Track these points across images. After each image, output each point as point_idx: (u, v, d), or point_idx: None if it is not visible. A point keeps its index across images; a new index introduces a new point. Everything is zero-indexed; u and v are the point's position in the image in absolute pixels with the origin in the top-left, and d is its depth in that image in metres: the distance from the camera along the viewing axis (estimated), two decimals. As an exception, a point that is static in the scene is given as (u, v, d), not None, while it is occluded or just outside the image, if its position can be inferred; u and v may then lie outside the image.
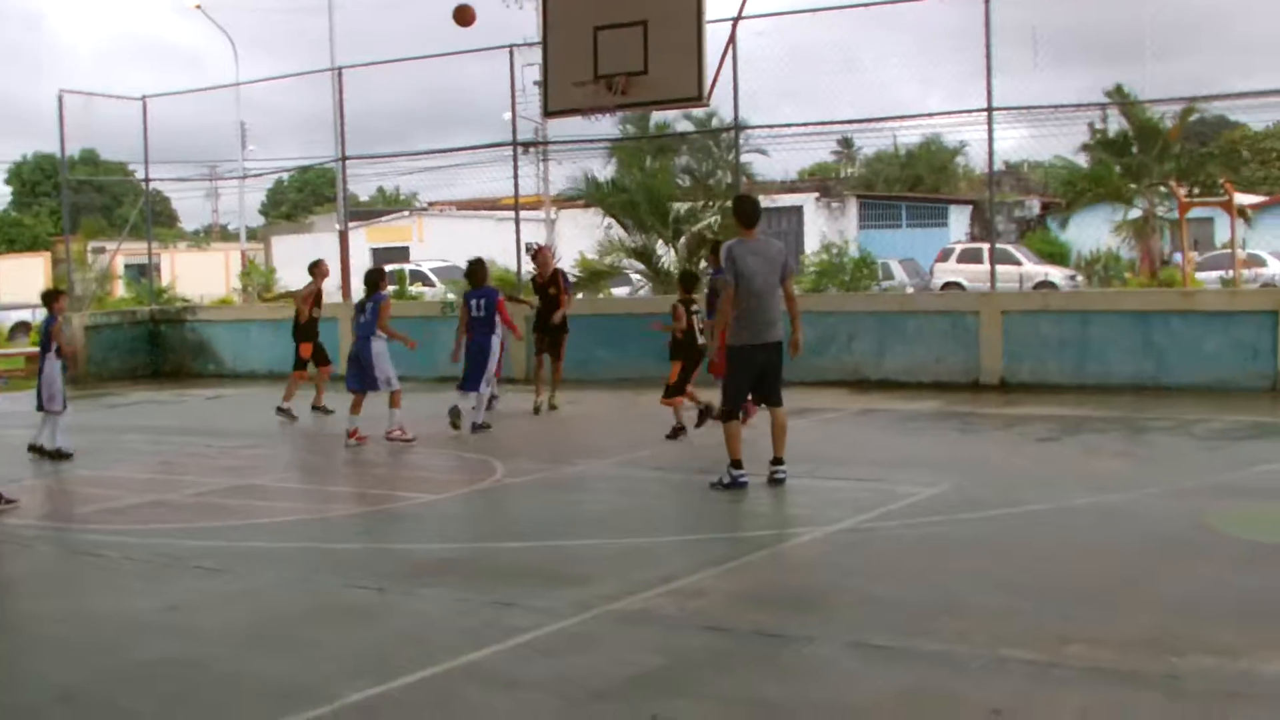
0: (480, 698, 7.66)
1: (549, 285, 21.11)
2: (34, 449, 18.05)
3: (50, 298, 18.96)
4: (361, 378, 18.34)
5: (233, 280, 61.68)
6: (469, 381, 19.21)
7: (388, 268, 53.93)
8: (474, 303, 19.48)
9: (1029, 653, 7.97)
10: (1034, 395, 20.81)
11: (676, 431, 17.45)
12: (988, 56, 22.10)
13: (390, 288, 19.93)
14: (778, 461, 13.96)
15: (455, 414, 19.07)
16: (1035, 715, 7.05)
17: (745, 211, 14.11)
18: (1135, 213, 44.71)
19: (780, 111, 50.54)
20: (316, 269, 22.71)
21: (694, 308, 18.06)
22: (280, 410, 21.55)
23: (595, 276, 31.95)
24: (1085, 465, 14.72)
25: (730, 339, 13.91)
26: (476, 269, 20.09)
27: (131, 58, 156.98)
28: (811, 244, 47.01)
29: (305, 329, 22.23)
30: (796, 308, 14.26)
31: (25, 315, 48.95)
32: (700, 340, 17.66)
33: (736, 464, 13.81)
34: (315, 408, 22.05)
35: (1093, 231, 47.43)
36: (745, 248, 13.78)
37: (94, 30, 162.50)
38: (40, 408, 18.17)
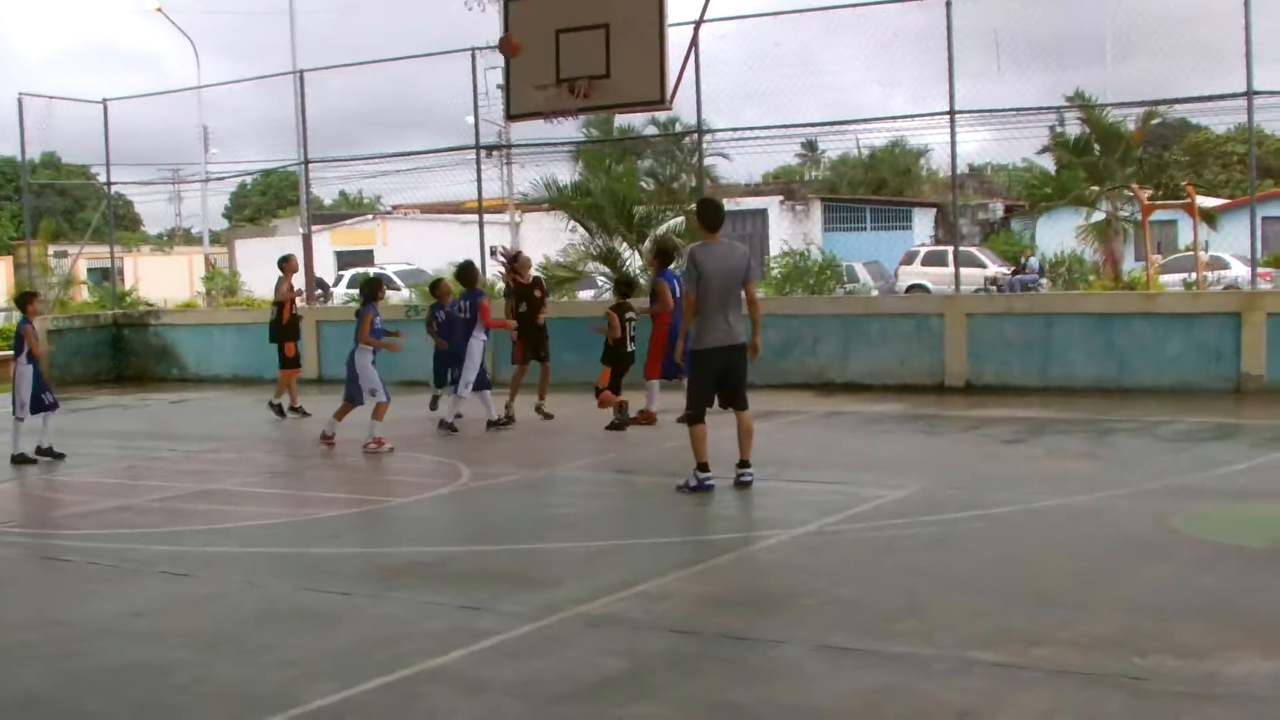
0: (446, 702, 7.65)
1: (533, 288, 20.77)
2: (19, 459, 18.11)
3: (24, 300, 18.95)
4: (349, 387, 18.31)
5: (196, 284, 61.53)
6: (456, 383, 19.24)
7: (351, 271, 53.94)
8: (459, 305, 19.46)
9: (995, 654, 7.99)
10: (998, 397, 20.87)
11: (615, 425, 17.65)
12: (950, 60, 22.16)
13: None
14: (744, 465, 13.97)
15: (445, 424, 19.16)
16: (1002, 717, 7.06)
17: (709, 215, 14.10)
18: (1099, 216, 44.83)
19: (743, 114, 50.56)
20: (287, 264, 22.68)
21: (629, 315, 18.17)
22: (272, 406, 21.72)
23: (560, 280, 31.90)
24: (1050, 467, 14.76)
25: (693, 343, 13.90)
26: (467, 271, 20.02)
27: (88, 61, 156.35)
28: (776, 247, 47.04)
29: (288, 328, 22.14)
30: (758, 311, 14.27)
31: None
32: (631, 348, 17.92)
33: (702, 467, 13.82)
34: (293, 409, 22.02)
35: (1056, 234, 47.59)
36: (708, 251, 13.77)
37: (51, 33, 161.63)
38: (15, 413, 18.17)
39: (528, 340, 20.45)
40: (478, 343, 19.20)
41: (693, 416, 13.97)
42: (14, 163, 68.23)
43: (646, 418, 18.89)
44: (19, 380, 18.12)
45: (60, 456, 18.14)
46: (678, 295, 17.94)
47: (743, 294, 13.85)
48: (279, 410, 21.88)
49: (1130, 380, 20.88)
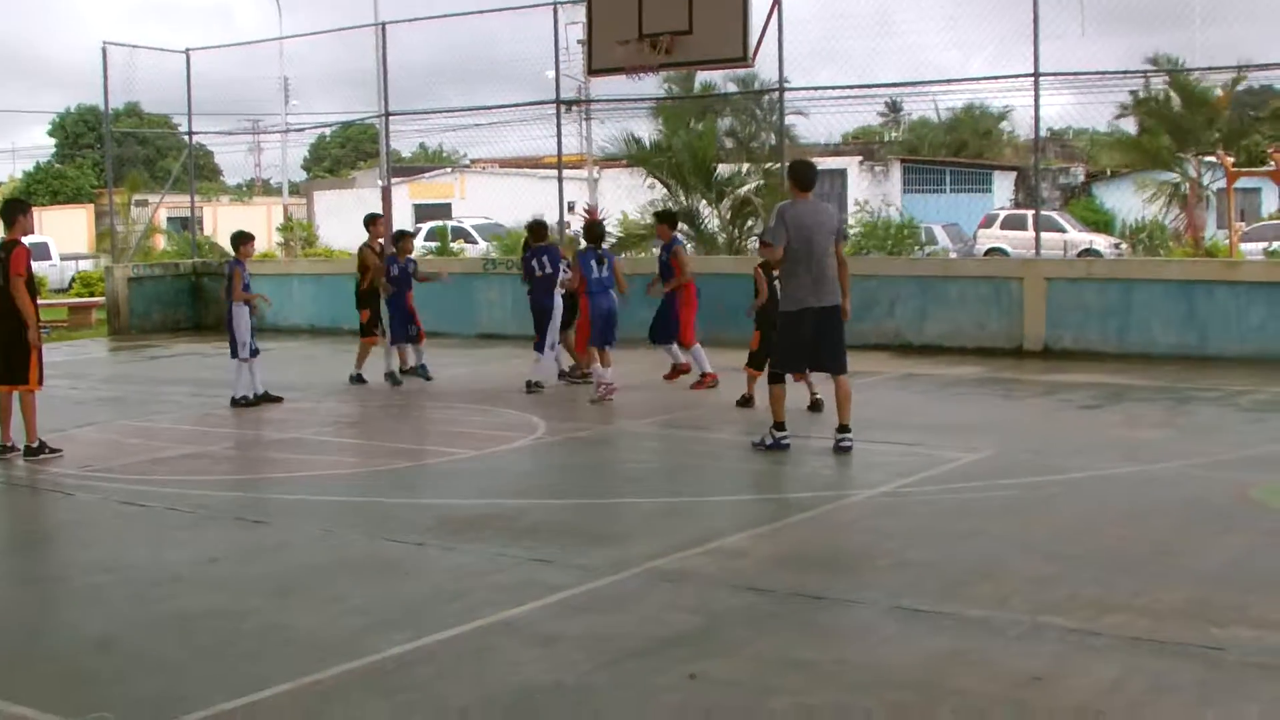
0: (517, 653, 7.67)
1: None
2: (236, 402, 18.31)
3: (238, 240, 18.99)
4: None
5: (274, 234, 61.83)
6: (538, 343, 19.14)
7: (429, 224, 54.00)
8: (536, 261, 19.30)
9: (1067, 620, 7.95)
10: (1076, 363, 20.71)
11: (745, 400, 17.06)
12: (1035, 20, 21.94)
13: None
14: (843, 429, 13.76)
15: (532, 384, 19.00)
16: (1074, 682, 7.02)
17: (801, 174, 13.97)
18: (1177, 180, 44.39)
19: (820, 74, 50.37)
20: (373, 226, 21.70)
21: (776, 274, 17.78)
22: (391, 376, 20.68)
23: (638, 238, 31.84)
24: (1126, 434, 14.64)
25: (782, 304, 13.83)
26: (538, 228, 19.88)
27: (165, 12, 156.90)
28: (854, 208, 46.82)
29: (365, 295, 21.09)
30: (847, 273, 14.08)
31: (86, 266, 48.77)
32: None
33: (779, 425, 13.78)
34: (394, 372, 20.83)
35: (1137, 201, 47.13)
36: (796, 209, 13.66)
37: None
38: (234, 355, 18.37)
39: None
40: (557, 299, 19.08)
41: (775, 375, 13.91)
42: (97, 111, 68.68)
43: (710, 379, 18.81)
44: (236, 322, 18.18)
45: (277, 399, 18.39)
46: (595, 275, 18.18)
47: (833, 256, 13.74)
48: (392, 378, 20.58)
49: (1211, 349, 20.66)
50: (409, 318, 20.31)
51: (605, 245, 19.27)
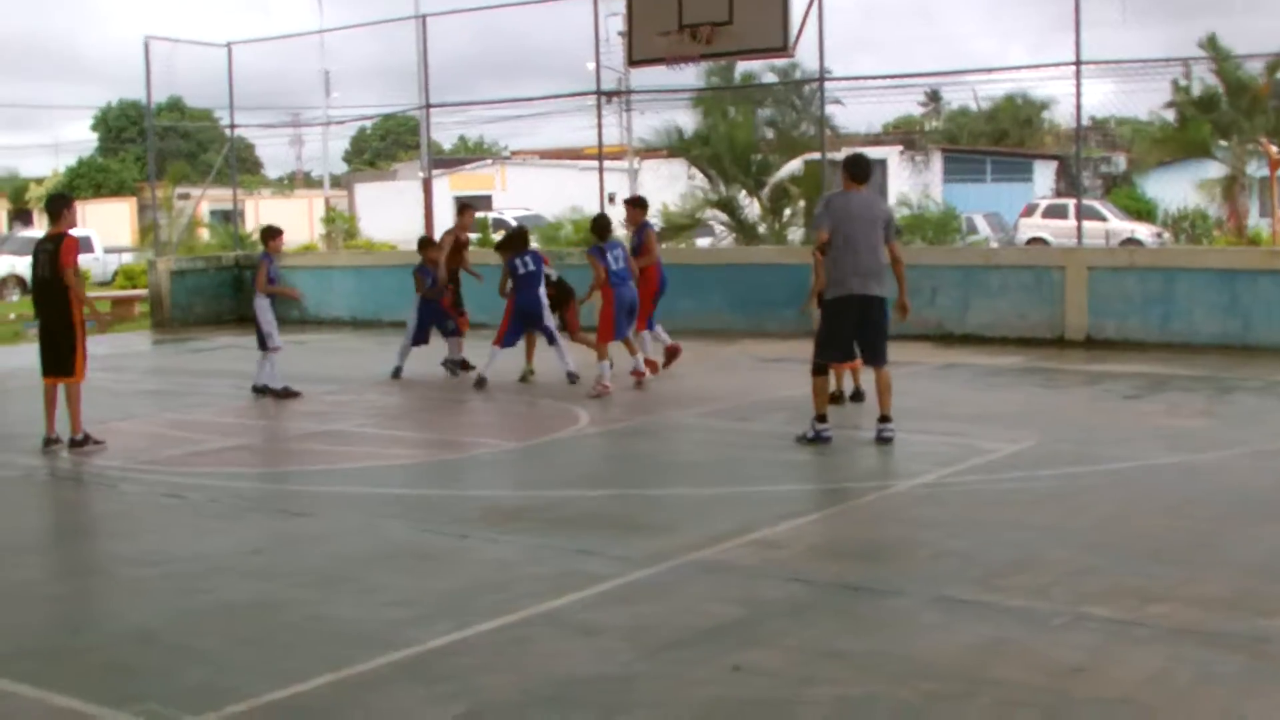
0: (558, 645, 7.69)
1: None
2: (257, 390, 18.53)
3: (268, 235, 19.32)
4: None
5: (316, 226, 62.00)
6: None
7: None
8: (520, 260, 18.87)
9: (1110, 610, 7.93)
10: (1119, 352, 20.63)
11: (840, 397, 16.73)
12: (1076, 9, 21.86)
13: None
14: (885, 420, 13.72)
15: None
16: (1116, 673, 7.00)
17: (855, 166, 13.92)
18: (1222, 170, 44.13)
19: (859, 64, 50.30)
20: (463, 214, 21.71)
21: None
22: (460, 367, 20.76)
23: (678, 228, 31.87)
24: (1169, 423, 14.59)
25: (827, 292, 13.75)
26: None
27: (204, 5, 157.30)
28: (894, 198, 46.72)
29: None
30: (902, 269, 14.02)
31: (128, 259, 48.88)
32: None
33: (821, 418, 13.75)
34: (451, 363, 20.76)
35: (1179, 189, 46.90)
36: (845, 199, 13.66)
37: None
38: (262, 347, 18.62)
39: None
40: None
41: (818, 366, 13.88)
42: (139, 106, 68.97)
43: (652, 367, 18.99)
44: (260, 315, 18.66)
45: (295, 394, 18.39)
46: (614, 268, 17.99)
47: (883, 248, 13.69)
48: (451, 369, 20.53)
49: (1254, 338, 20.55)
50: (443, 314, 20.29)
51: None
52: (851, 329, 13.69)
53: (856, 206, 13.61)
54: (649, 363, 18.88)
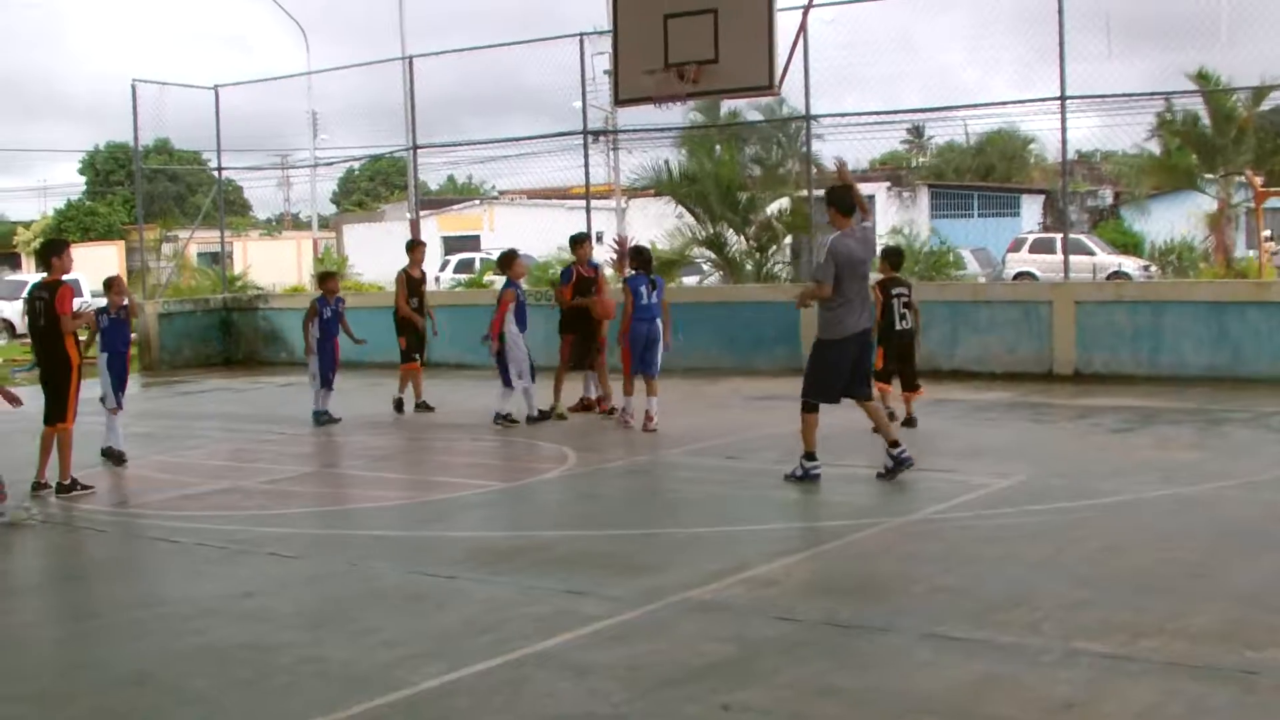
0: (551, 685, 7.68)
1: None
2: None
3: (324, 279, 19.99)
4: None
5: (305, 268, 61.97)
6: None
7: (459, 256, 53.99)
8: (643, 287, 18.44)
9: (1102, 645, 7.93)
10: (1107, 386, 20.67)
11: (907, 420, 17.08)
12: (1061, 43, 21.96)
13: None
14: (896, 443, 13.70)
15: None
16: (1108, 708, 7.00)
17: (842, 200, 13.75)
18: (1210, 202, 44.20)
19: (844, 99, 50.38)
20: (413, 251, 21.76)
21: (897, 290, 17.35)
22: (417, 406, 20.94)
23: (665, 265, 31.88)
24: (1159, 457, 14.61)
25: (827, 333, 13.62)
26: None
27: (188, 47, 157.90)
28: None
29: (400, 322, 21.08)
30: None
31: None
32: (903, 325, 17.28)
33: (810, 455, 13.74)
34: (417, 404, 21.05)
35: (1166, 222, 46.99)
36: (846, 245, 13.47)
37: (155, 21, 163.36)
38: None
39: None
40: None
41: (810, 405, 13.82)
42: (127, 148, 68.95)
43: (588, 405, 19.81)
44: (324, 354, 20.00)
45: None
46: (644, 301, 18.05)
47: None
48: (397, 405, 21.02)
49: (1244, 370, 20.60)
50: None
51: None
52: (850, 368, 13.69)
53: (858, 249, 13.56)
54: (599, 400, 19.28)
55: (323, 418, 19.69)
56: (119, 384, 16.84)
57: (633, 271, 18.76)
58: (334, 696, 7.57)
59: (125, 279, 19.10)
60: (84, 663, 8.74)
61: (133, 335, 18.22)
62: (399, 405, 20.84)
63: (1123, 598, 9.00)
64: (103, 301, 17.25)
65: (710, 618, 8.91)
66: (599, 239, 28.23)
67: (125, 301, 16.95)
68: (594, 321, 19.56)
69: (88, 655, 8.93)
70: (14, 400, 13.86)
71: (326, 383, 19.79)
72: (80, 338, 14.86)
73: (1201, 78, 36.01)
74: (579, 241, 20.24)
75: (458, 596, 9.79)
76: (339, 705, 7.40)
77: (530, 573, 10.38)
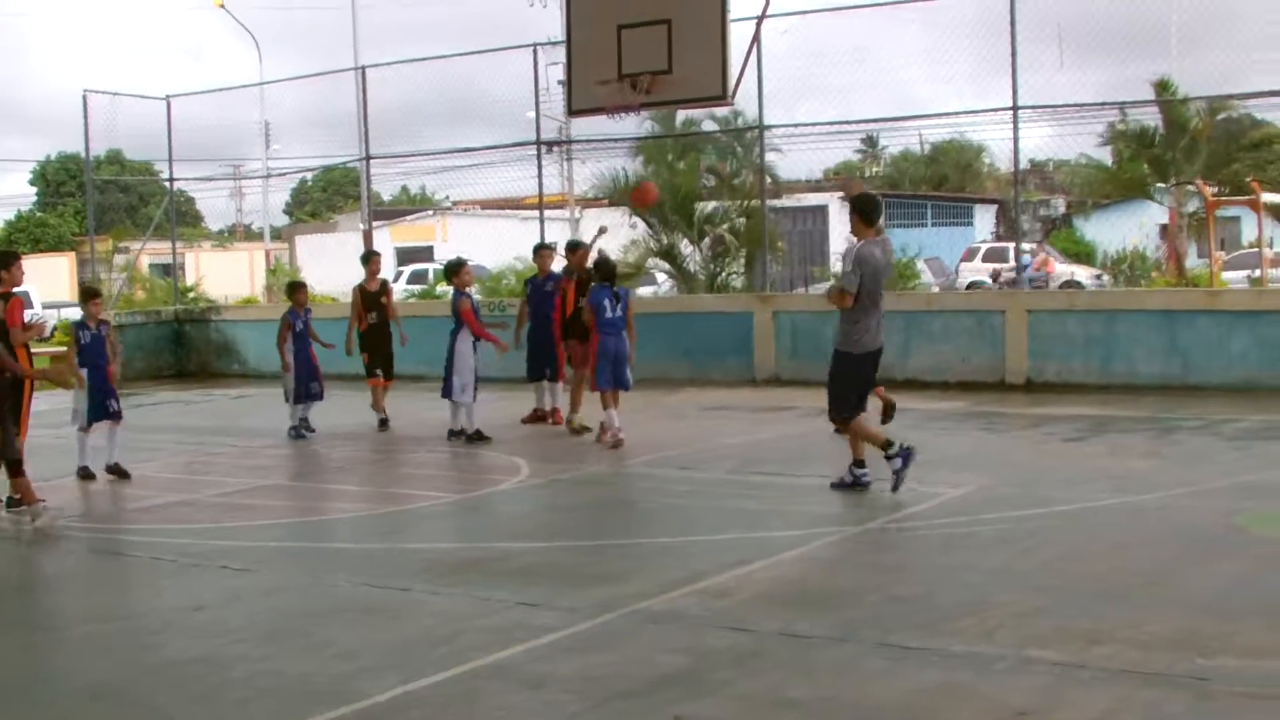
0: (506, 697, 7.66)
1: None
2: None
3: (293, 289, 20.37)
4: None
5: (257, 279, 61.72)
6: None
7: (412, 267, 53.88)
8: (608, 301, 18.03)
9: (1056, 653, 7.95)
10: (1060, 395, 20.77)
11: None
12: (1013, 54, 22.07)
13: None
14: (861, 464, 13.62)
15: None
16: (1062, 716, 7.02)
17: (867, 208, 13.67)
18: (1162, 211, 44.44)
19: (799, 110, 50.42)
20: (369, 263, 21.25)
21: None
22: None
23: (621, 276, 31.89)
24: (1112, 465, 14.68)
25: (845, 345, 13.49)
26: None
27: (143, 57, 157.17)
28: (836, 243, 46.82)
29: (362, 335, 20.54)
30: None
31: (67, 314, 48.59)
32: None
33: (859, 463, 13.62)
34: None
35: (1118, 231, 47.22)
36: (871, 251, 13.30)
37: (108, 30, 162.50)
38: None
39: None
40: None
41: (847, 418, 13.64)
42: (78, 159, 68.61)
43: (540, 416, 20.12)
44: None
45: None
46: (608, 315, 17.62)
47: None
48: (380, 425, 20.31)
49: (1194, 378, 20.73)
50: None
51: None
52: (869, 377, 13.75)
53: (882, 257, 13.46)
54: (553, 412, 19.63)
55: (300, 430, 19.55)
56: (109, 394, 16.60)
57: (594, 284, 18.28)
58: (291, 709, 7.54)
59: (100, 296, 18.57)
60: (40, 676, 8.69)
61: (119, 346, 17.90)
62: (382, 424, 20.32)
63: (1077, 605, 9.02)
64: (55, 314, 17.14)
65: (665, 629, 8.90)
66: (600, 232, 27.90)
67: (103, 315, 16.86)
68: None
69: (43, 669, 8.88)
70: None
71: (312, 395, 19.58)
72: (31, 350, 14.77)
73: (1163, 87, 36.19)
74: (543, 250, 20.24)
75: (413, 608, 9.76)
76: (295, 717, 7.37)
77: (485, 584, 10.36)
